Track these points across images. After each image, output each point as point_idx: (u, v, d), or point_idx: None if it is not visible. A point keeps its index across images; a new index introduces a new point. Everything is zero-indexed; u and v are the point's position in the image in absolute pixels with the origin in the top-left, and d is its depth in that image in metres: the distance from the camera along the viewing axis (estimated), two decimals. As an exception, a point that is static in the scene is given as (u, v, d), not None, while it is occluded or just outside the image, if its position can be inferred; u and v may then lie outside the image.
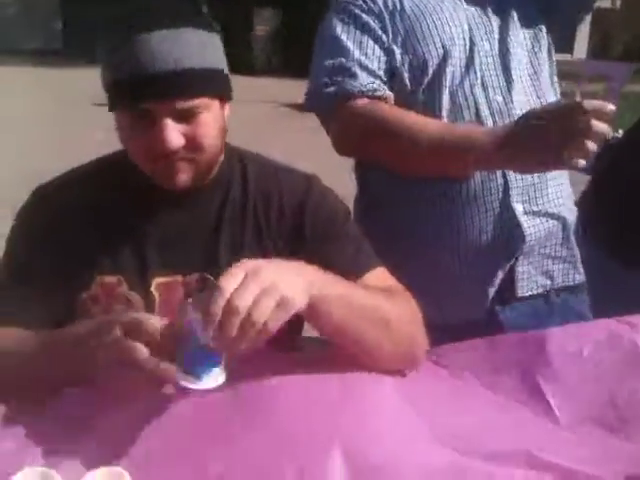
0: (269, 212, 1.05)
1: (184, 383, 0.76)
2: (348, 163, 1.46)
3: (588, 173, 1.78)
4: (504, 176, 1.28)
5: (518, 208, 1.29)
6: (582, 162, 1.05)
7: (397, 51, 1.28)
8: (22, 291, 0.97)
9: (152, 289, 1.00)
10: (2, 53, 15.24)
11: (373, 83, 1.26)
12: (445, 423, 0.88)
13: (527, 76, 1.33)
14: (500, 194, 1.28)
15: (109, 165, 1.08)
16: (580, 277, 1.43)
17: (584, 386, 0.98)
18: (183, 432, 0.80)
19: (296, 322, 1.00)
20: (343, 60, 1.26)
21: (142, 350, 0.76)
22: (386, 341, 0.95)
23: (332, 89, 1.27)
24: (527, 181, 1.29)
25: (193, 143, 0.95)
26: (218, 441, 0.79)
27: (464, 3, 1.33)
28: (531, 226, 1.30)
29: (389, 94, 1.27)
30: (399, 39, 1.28)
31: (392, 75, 1.29)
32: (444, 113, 1.26)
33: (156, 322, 0.78)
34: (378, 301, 0.96)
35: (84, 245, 1.00)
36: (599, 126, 1.02)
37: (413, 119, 1.22)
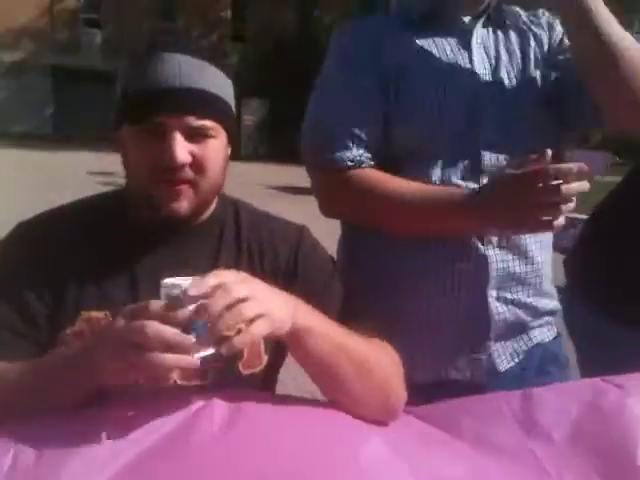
0: (262, 258, 1.06)
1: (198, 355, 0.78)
2: (334, 239, 1.45)
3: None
4: (485, 266, 1.26)
5: (492, 294, 1.27)
6: (559, 222, 1.05)
7: (393, 119, 1.27)
8: (2, 324, 0.94)
9: None
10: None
11: (361, 156, 1.25)
12: (432, 470, 0.85)
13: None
14: (480, 280, 1.26)
15: (99, 202, 1.06)
16: (554, 330, 1.41)
17: (573, 445, 0.96)
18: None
19: (277, 357, 1.04)
20: (337, 130, 1.26)
21: (152, 324, 0.76)
22: (365, 383, 0.94)
23: (320, 159, 1.27)
24: (506, 270, 1.28)
25: (199, 164, 0.96)
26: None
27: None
28: (500, 312, 1.28)
29: (372, 163, 1.27)
30: (398, 111, 1.26)
31: (383, 138, 1.28)
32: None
33: (157, 305, 0.78)
34: (360, 344, 0.96)
35: (69, 279, 0.96)
36: (569, 188, 1.02)
37: (397, 183, 1.23)
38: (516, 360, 1.32)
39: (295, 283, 1.03)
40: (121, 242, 1.00)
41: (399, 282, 1.30)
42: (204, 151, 0.96)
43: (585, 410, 1.00)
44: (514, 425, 0.99)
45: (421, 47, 1.29)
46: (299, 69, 16.86)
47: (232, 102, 1.02)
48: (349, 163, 1.25)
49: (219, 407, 0.87)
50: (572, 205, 1.05)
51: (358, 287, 1.14)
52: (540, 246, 1.32)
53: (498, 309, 1.28)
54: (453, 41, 1.31)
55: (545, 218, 1.06)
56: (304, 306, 0.90)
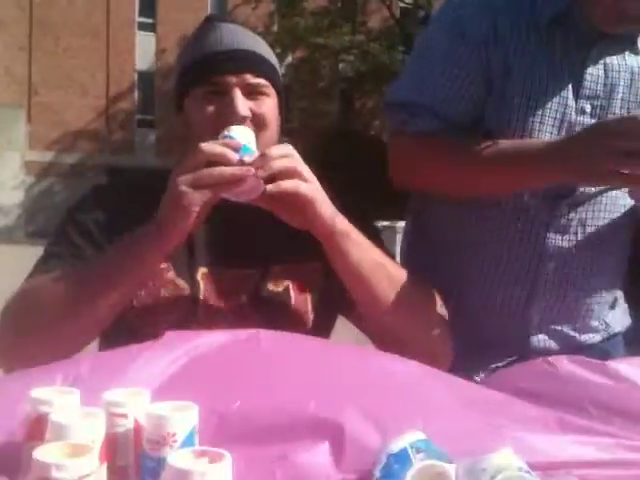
0: None
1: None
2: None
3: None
4: (532, 285, 1.23)
5: (535, 322, 1.24)
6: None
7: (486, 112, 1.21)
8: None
9: (198, 278, 1.06)
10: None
11: (438, 128, 1.20)
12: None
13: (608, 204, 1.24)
14: (523, 300, 1.23)
15: (165, 173, 1.11)
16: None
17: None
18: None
19: (324, 319, 1.13)
20: (423, 99, 1.21)
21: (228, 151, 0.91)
22: (407, 309, 1.02)
23: (397, 122, 1.24)
24: (549, 298, 1.23)
25: (258, 119, 1.04)
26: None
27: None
28: (541, 340, 1.25)
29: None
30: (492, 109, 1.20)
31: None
32: None
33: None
34: (401, 270, 1.06)
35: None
36: None
37: (466, 142, 1.19)
38: None
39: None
40: None
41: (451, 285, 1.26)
42: (261, 107, 1.05)
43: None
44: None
45: (536, 58, 1.18)
46: (344, 159, 17.24)
47: (279, 68, 1.14)
48: (425, 131, 1.20)
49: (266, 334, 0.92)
50: None
51: None
52: (597, 280, 1.26)
53: (538, 337, 1.25)
54: (572, 54, 1.19)
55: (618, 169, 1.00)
56: (345, 219, 0.99)
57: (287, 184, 0.93)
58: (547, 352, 1.21)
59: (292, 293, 1.09)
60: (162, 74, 23.73)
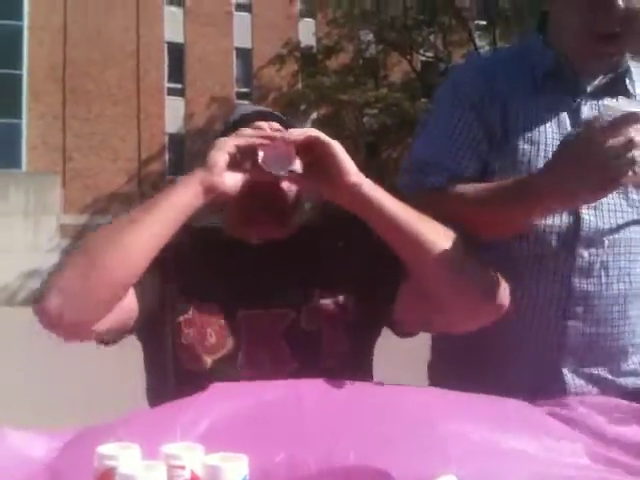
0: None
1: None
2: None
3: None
4: (563, 329, 1.23)
5: (568, 367, 1.25)
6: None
7: (491, 169, 1.25)
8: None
9: (239, 318, 1.15)
10: None
11: (448, 181, 1.25)
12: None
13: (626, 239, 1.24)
14: (555, 345, 1.24)
15: (207, 230, 1.29)
16: None
17: None
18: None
19: (360, 343, 1.18)
20: (434, 157, 1.27)
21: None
22: (449, 257, 1.03)
23: (411, 181, 1.30)
24: (586, 344, 1.24)
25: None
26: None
27: None
28: (578, 386, 1.25)
29: None
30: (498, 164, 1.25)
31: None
32: None
33: None
34: (440, 225, 1.07)
35: (189, 277, 1.17)
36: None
37: (473, 185, 1.23)
38: None
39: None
40: (226, 254, 1.21)
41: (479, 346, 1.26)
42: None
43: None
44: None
45: (535, 107, 1.26)
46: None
47: None
48: (437, 186, 1.25)
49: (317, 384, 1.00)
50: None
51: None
52: (630, 322, 1.26)
53: (574, 382, 1.25)
54: (568, 106, 1.26)
55: (613, 175, 1.00)
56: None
57: (312, 132, 1.05)
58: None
59: (324, 330, 1.16)
60: (191, 136, 24.36)
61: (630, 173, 0.99)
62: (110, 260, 1.01)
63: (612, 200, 1.23)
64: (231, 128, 1.17)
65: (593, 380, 1.26)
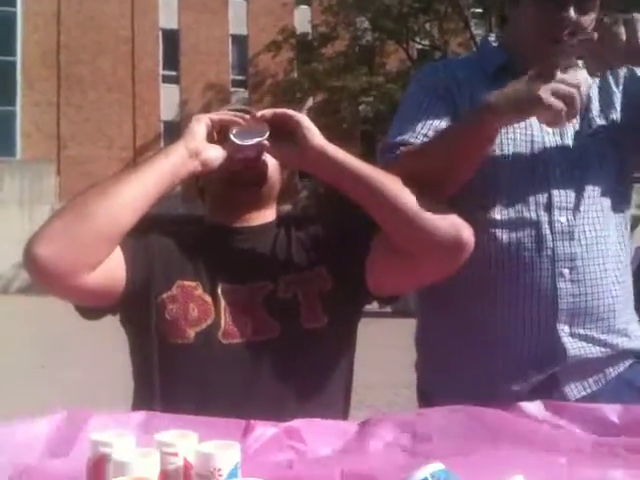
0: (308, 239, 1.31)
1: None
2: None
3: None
4: (555, 295, 1.29)
5: (564, 329, 1.30)
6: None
7: None
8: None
9: (219, 293, 1.22)
10: None
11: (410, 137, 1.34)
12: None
13: (596, 205, 1.33)
14: (548, 313, 1.29)
15: (190, 217, 1.37)
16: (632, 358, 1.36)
17: None
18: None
19: (338, 317, 1.23)
20: (406, 137, 1.33)
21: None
22: (414, 201, 1.13)
23: (389, 161, 1.33)
24: (577, 305, 1.30)
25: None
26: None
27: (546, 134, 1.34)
28: (575, 348, 1.30)
29: None
30: None
31: None
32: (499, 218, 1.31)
33: None
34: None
35: (172, 258, 1.24)
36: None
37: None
38: (588, 391, 1.33)
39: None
40: (207, 236, 1.30)
41: (471, 315, 1.35)
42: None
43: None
44: None
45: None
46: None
47: None
48: (402, 144, 1.32)
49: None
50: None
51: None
52: (615, 280, 1.33)
53: (572, 344, 1.30)
54: None
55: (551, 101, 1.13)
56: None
57: (279, 110, 1.18)
58: (587, 360, 1.30)
59: (300, 297, 1.22)
60: (187, 123, 24.16)
61: (555, 108, 1.13)
62: (95, 209, 1.07)
63: (579, 177, 1.33)
64: None
65: (589, 340, 1.31)
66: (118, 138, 24.12)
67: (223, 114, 1.21)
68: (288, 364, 1.15)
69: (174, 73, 24.92)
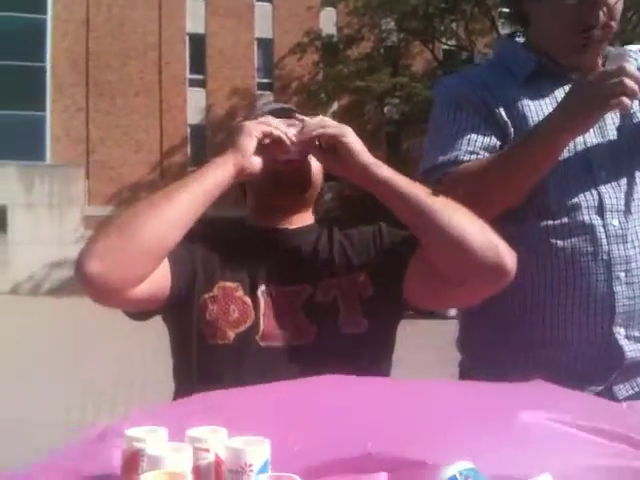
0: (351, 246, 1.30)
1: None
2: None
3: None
4: (612, 299, 1.28)
5: (620, 331, 1.29)
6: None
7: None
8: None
9: (259, 295, 1.23)
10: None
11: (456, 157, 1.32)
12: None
13: None
14: (605, 316, 1.29)
15: (230, 220, 1.37)
16: None
17: None
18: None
19: (378, 322, 1.23)
20: (449, 156, 1.32)
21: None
22: (457, 223, 1.10)
23: (434, 181, 1.32)
24: (632, 307, 1.29)
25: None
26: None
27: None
28: (632, 350, 1.30)
29: None
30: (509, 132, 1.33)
31: None
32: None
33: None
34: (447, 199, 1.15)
35: (213, 259, 1.26)
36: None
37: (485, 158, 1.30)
38: (636, 390, 1.32)
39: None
40: (250, 241, 1.30)
41: (525, 319, 1.34)
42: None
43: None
44: None
45: (529, 101, 1.34)
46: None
47: None
48: (448, 164, 1.31)
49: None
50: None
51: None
52: None
53: (629, 347, 1.30)
54: (558, 95, 1.34)
55: (606, 93, 1.15)
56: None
57: (322, 129, 1.17)
58: None
59: (340, 301, 1.23)
60: (213, 127, 24.48)
61: (619, 99, 1.14)
62: (143, 228, 1.09)
63: (626, 177, 1.32)
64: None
65: None
66: (145, 142, 24.38)
67: (271, 124, 1.19)
68: (324, 369, 1.12)
69: (201, 77, 25.13)
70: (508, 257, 1.12)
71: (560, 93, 1.33)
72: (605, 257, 1.28)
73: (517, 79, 1.37)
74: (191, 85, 25.11)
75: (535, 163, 1.24)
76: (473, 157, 1.31)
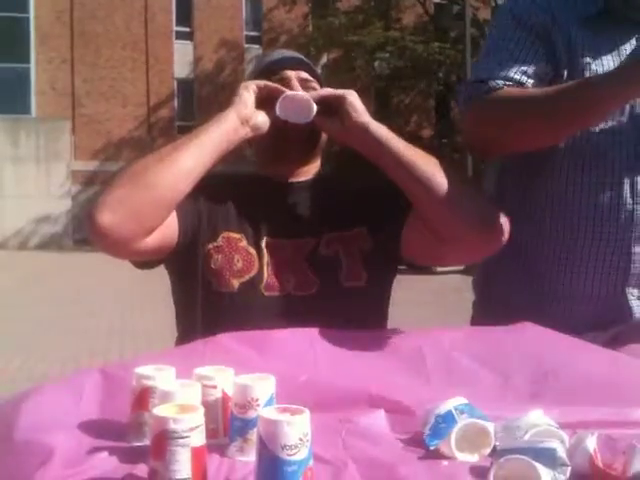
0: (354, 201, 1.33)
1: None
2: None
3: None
4: (628, 260, 1.30)
5: (633, 292, 1.32)
6: None
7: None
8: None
9: (263, 246, 1.27)
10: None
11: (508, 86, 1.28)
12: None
13: None
14: (619, 275, 1.31)
15: (246, 173, 1.42)
16: None
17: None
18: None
19: (379, 274, 1.29)
20: (501, 72, 1.30)
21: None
22: (452, 187, 1.14)
23: (479, 93, 1.31)
24: None
25: None
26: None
27: None
28: None
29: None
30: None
31: None
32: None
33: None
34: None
35: (218, 209, 1.29)
36: None
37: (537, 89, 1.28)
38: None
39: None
40: (254, 192, 1.32)
41: (543, 268, 1.36)
42: None
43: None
44: None
45: (596, 42, 1.31)
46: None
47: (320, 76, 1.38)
48: (494, 84, 1.28)
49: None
50: None
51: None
52: None
53: (639, 308, 1.32)
54: (627, 40, 1.32)
55: None
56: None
57: (326, 92, 1.23)
58: None
59: (342, 255, 1.27)
60: (200, 81, 24.12)
61: None
62: (155, 179, 1.12)
63: None
64: (259, 76, 1.29)
65: None
66: (132, 96, 24.00)
67: (269, 82, 1.24)
68: (324, 320, 1.16)
69: (187, 29, 24.64)
70: (497, 221, 1.17)
71: (623, 41, 1.30)
72: (627, 215, 1.29)
73: (580, 15, 1.31)
74: (178, 38, 24.63)
75: (592, 111, 1.22)
76: (524, 78, 1.28)
